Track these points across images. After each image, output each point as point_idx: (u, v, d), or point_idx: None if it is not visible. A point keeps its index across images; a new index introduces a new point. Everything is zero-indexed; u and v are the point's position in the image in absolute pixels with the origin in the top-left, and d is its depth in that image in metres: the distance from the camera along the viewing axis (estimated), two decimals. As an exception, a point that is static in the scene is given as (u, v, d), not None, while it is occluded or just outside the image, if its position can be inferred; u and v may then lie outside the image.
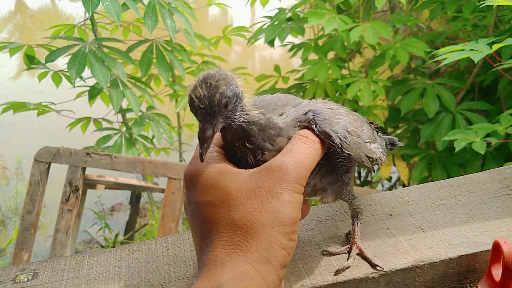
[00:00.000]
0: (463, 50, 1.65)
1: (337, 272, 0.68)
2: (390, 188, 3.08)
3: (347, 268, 0.69)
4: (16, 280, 0.71)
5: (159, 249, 0.76)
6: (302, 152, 0.61)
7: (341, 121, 0.66)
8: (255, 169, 0.60)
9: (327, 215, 0.81)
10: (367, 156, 0.69)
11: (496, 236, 0.73)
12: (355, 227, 0.73)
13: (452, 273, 0.71)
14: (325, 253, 0.72)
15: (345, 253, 0.72)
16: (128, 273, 0.72)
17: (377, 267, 0.69)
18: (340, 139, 0.64)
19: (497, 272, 0.68)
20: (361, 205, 0.74)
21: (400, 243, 0.73)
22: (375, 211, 0.80)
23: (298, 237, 0.77)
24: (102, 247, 3.16)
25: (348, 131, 0.66)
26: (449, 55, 1.64)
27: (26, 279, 0.71)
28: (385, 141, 0.81)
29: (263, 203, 0.57)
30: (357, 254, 0.71)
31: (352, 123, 0.68)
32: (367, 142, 0.70)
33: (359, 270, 0.69)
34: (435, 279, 0.70)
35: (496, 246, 0.67)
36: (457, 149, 1.73)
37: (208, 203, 0.58)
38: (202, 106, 0.57)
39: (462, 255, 0.69)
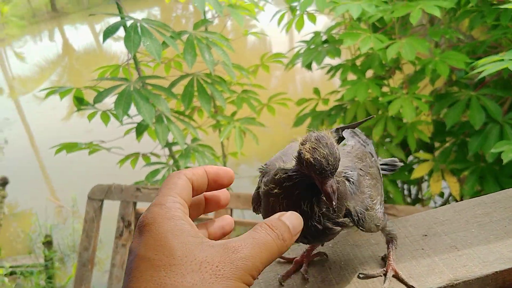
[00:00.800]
0: (502, 60, 1.62)
1: None
2: (443, 204, 3.01)
3: None
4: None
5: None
6: (265, 244, 0.53)
7: (366, 197, 0.67)
8: (213, 241, 0.52)
9: (363, 239, 0.81)
10: (375, 225, 0.70)
11: (532, 251, 0.72)
12: (390, 251, 0.74)
13: (489, 290, 0.70)
14: (361, 276, 0.73)
15: (381, 275, 0.73)
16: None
17: (412, 288, 0.69)
18: (358, 221, 0.66)
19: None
20: (394, 229, 0.74)
21: (435, 263, 0.72)
22: (410, 232, 0.80)
23: (335, 262, 0.78)
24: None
25: (367, 209, 0.67)
26: (488, 66, 1.62)
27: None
28: (385, 164, 0.83)
29: (204, 282, 0.48)
30: (392, 276, 0.72)
31: (371, 194, 0.69)
32: (377, 208, 0.70)
33: (395, 292, 0.69)
34: (473, 298, 0.70)
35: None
36: (504, 161, 1.69)
37: (147, 260, 0.50)
38: (330, 163, 0.58)
39: (497, 271, 0.69)
